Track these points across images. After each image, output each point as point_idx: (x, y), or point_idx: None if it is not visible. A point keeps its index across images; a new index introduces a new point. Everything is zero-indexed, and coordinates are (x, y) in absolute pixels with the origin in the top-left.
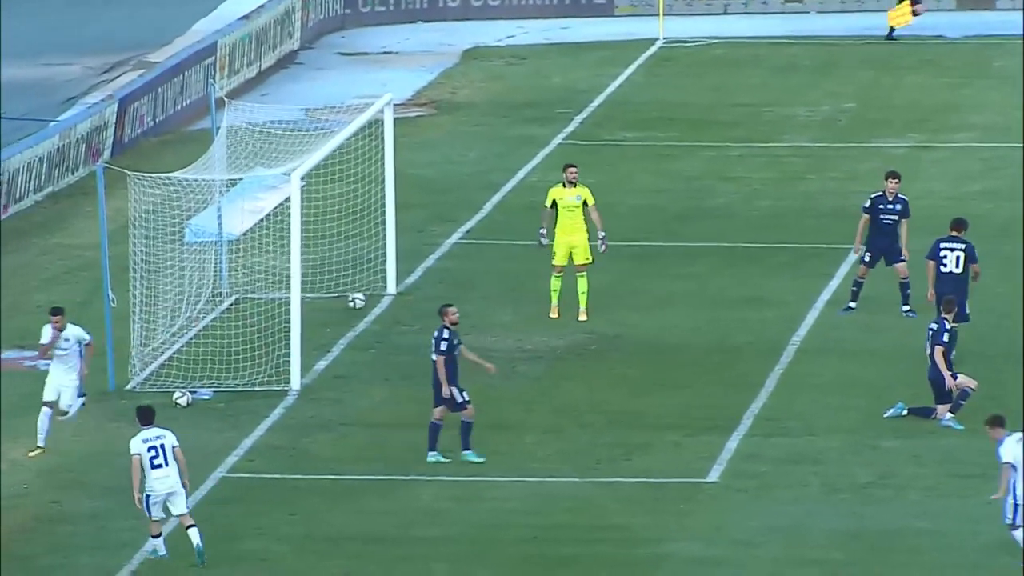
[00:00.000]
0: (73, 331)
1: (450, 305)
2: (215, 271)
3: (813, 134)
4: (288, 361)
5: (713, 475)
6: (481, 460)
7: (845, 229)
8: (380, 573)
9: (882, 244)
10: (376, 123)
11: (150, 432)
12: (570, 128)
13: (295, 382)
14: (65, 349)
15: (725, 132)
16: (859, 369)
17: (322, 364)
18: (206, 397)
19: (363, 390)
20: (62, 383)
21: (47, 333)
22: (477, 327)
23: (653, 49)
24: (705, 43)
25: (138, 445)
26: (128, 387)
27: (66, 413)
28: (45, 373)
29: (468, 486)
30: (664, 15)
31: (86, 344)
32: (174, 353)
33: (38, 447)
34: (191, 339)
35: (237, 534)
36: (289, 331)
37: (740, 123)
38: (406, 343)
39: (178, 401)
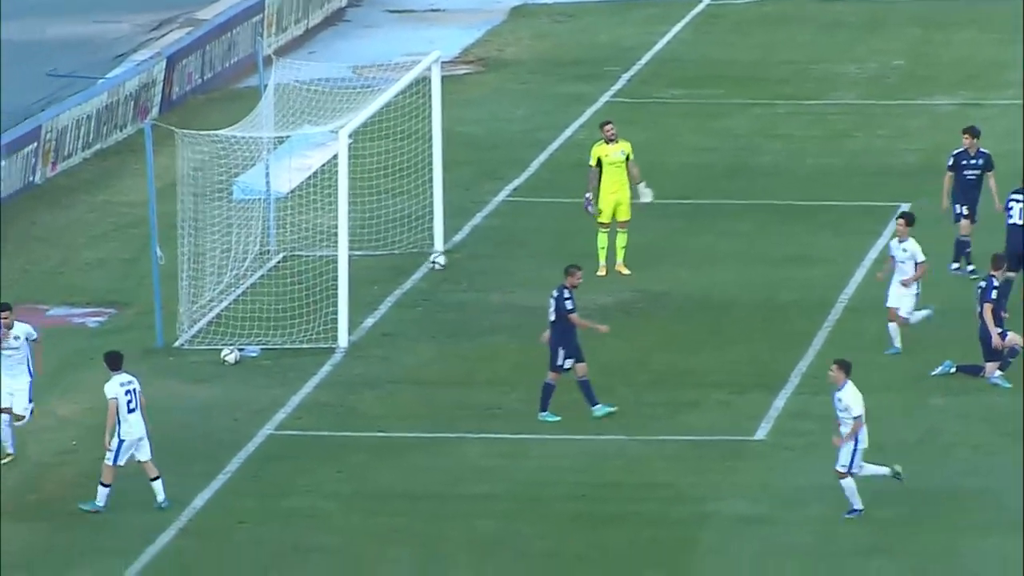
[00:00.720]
0: (21, 328)
1: (578, 267)
2: (263, 228)
3: (861, 91)
4: (335, 318)
5: (760, 433)
6: (557, 419)
7: (893, 187)
8: (427, 530)
9: (965, 199)
10: (423, 81)
11: (123, 377)
12: (617, 85)
13: (342, 339)
14: (16, 348)
15: (772, 89)
16: (907, 327)
17: (369, 321)
18: (254, 354)
19: (410, 348)
20: (13, 387)
21: None
22: (525, 285)
23: (701, 6)
24: (753, 0)
25: (115, 389)
26: (176, 344)
27: (23, 418)
28: (91, 331)
29: (515, 444)
30: None
31: (34, 340)
32: (222, 310)
33: (8, 454)
34: (239, 296)
35: (285, 491)
36: (336, 288)
37: (787, 80)
38: (453, 301)
39: (226, 358)
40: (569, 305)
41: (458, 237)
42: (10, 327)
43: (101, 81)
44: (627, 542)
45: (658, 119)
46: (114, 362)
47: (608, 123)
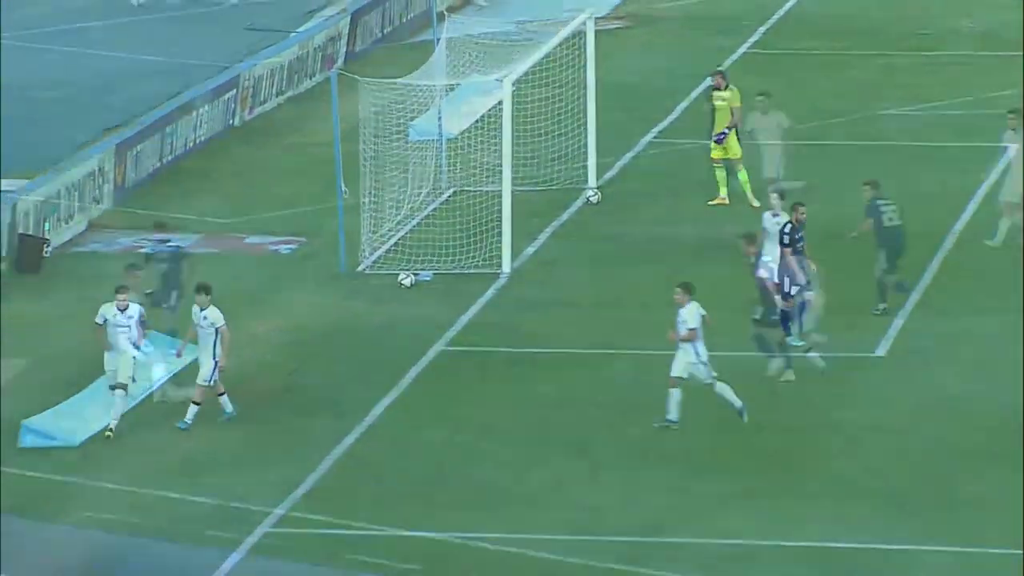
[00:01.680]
0: (134, 308)
1: (801, 204)
2: (435, 166)
3: (975, 44)
4: (500, 247)
5: (880, 350)
6: (801, 343)
7: (993, 131)
8: (582, 436)
9: None
10: (579, 35)
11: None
12: (754, 38)
13: (506, 266)
14: (127, 326)
15: (895, 43)
16: (1018, 253)
17: (530, 250)
18: (427, 278)
19: (567, 273)
20: (118, 362)
21: (108, 311)
22: (669, 218)
23: None
24: None
25: (222, 317)
26: (358, 269)
27: (125, 386)
28: (284, 257)
29: (661, 359)
30: None
31: (143, 321)
32: (399, 239)
33: (109, 429)
34: (414, 227)
35: (456, 401)
36: (501, 220)
37: (909, 35)
38: (606, 231)
39: (402, 282)
40: (784, 240)
41: (609, 174)
42: (124, 308)
43: (293, 35)
44: (760, 447)
45: (790, 69)
46: (209, 292)
47: (712, 73)
